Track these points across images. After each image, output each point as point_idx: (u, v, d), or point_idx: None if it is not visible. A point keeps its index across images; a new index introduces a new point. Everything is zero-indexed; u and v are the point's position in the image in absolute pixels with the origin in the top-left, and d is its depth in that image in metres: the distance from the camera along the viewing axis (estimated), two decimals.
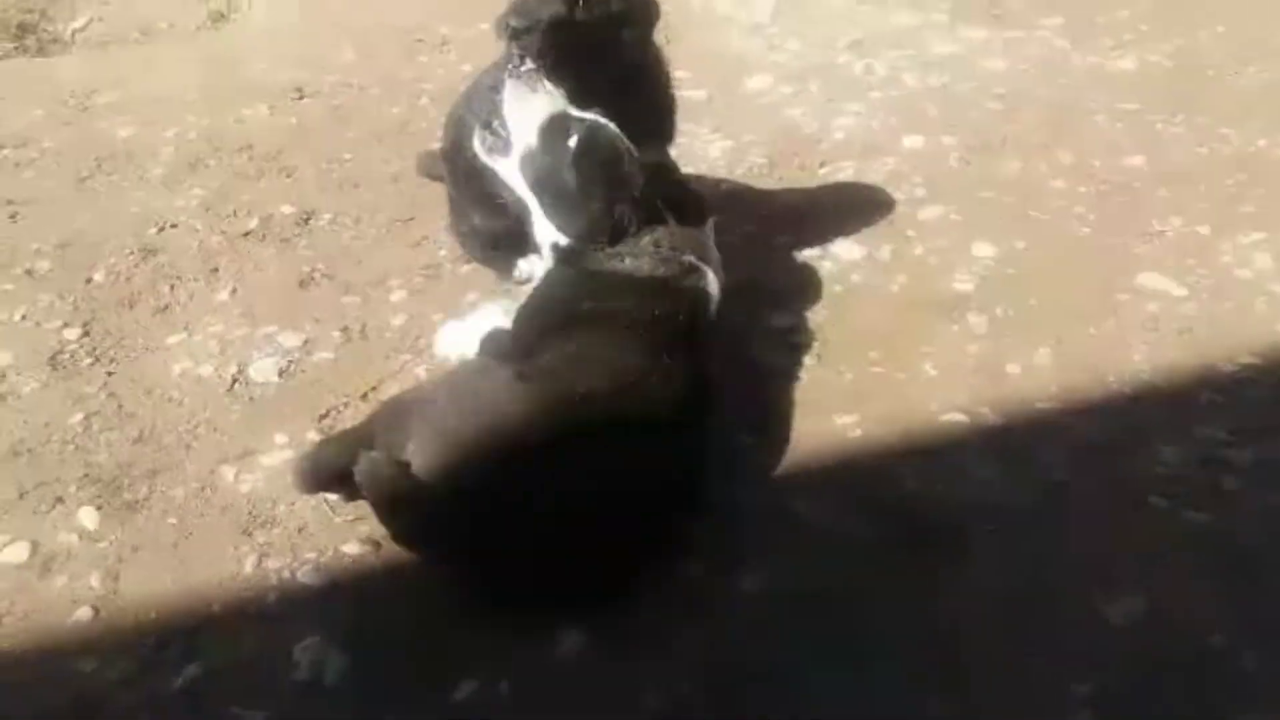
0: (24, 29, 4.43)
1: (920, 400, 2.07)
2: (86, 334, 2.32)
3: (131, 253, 2.57)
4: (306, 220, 2.68)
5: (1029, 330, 2.27)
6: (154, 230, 2.66)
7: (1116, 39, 3.50)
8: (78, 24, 4.52)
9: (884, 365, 2.17)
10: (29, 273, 2.51)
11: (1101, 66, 3.36)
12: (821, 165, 2.89)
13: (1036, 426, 2.01)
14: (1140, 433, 1.98)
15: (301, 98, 3.26)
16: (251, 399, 2.13)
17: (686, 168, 2.85)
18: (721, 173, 2.87)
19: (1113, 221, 2.62)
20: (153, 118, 3.17)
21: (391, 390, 2.12)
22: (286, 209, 2.72)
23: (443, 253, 2.56)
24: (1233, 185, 2.74)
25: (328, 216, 2.70)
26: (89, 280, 2.49)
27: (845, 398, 2.08)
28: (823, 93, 3.25)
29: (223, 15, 4.13)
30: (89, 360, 2.24)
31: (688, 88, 3.27)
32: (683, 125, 3.01)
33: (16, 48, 4.30)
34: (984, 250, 2.52)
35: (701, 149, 2.97)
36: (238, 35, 3.91)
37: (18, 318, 2.37)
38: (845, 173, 2.85)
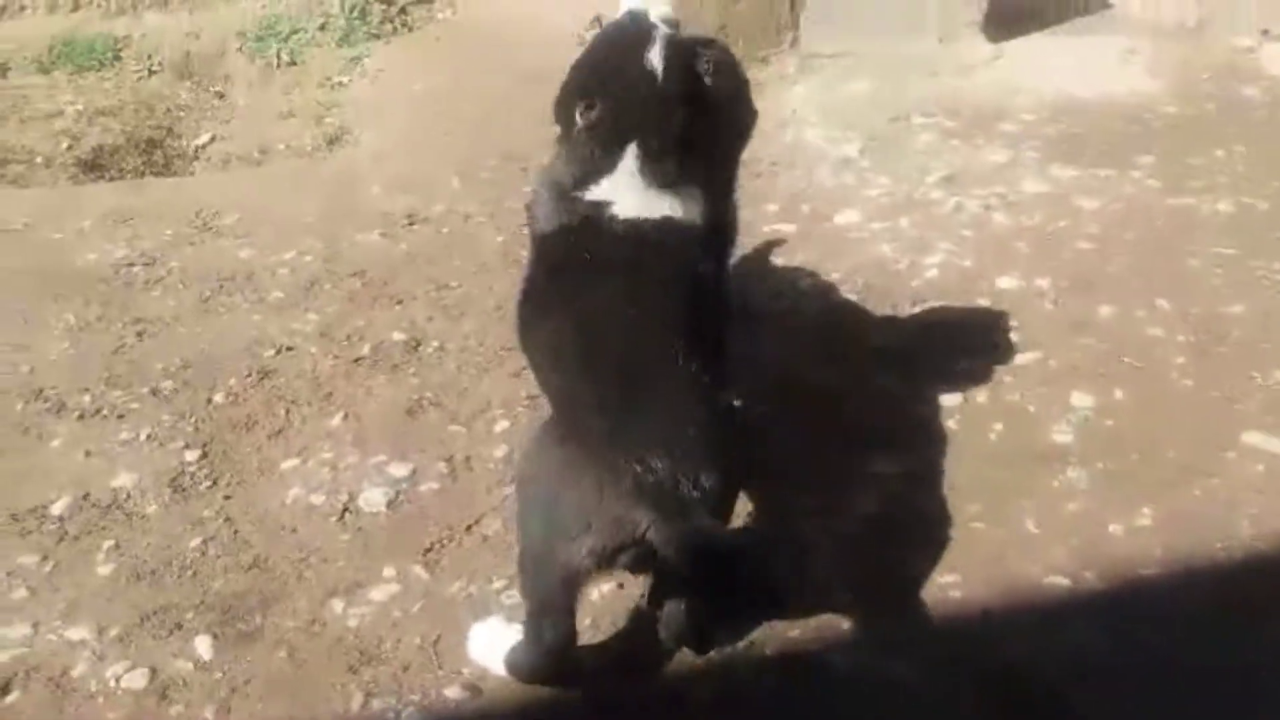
0: (152, 144, 4.77)
1: (1021, 561, 2.06)
2: (205, 456, 2.44)
3: (249, 375, 2.71)
4: (416, 348, 2.79)
5: (1131, 488, 2.24)
6: (271, 353, 2.79)
7: (1211, 180, 3.50)
8: (201, 141, 4.85)
9: (984, 520, 2.17)
10: (154, 392, 2.66)
11: (1196, 208, 3.35)
12: (913, 304, 2.92)
13: (1141, 595, 1.98)
14: (1251, 607, 1.93)
15: (412, 224, 3.43)
16: (360, 529, 2.21)
17: (776, 301, 2.95)
18: (812, 309, 2.92)
19: (1213, 373, 2.59)
20: (271, 240, 3.35)
21: (493, 525, 2.19)
22: (397, 335, 2.84)
23: None
24: None
25: (435, 344, 2.81)
26: (209, 401, 2.62)
27: (946, 555, 2.07)
28: (913, 229, 3.29)
29: (336, 138, 4.39)
30: (207, 483, 2.35)
31: (777, 221, 3.38)
32: (773, 260, 3.16)
33: (145, 163, 4.62)
34: (1082, 399, 2.51)
35: (790, 285, 3.02)
36: (350, 159, 4.13)
37: (143, 437, 2.50)
38: (938, 312, 2.88)
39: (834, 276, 3.05)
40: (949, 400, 2.53)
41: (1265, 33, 4.53)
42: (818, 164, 3.72)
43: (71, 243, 3.39)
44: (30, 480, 2.37)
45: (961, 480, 2.27)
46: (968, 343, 2.75)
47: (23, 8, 5.43)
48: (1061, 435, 2.41)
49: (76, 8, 5.47)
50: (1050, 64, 4.40)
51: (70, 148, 4.54)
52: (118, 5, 5.46)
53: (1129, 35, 4.67)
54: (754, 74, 4.34)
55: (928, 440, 2.40)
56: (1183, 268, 3.05)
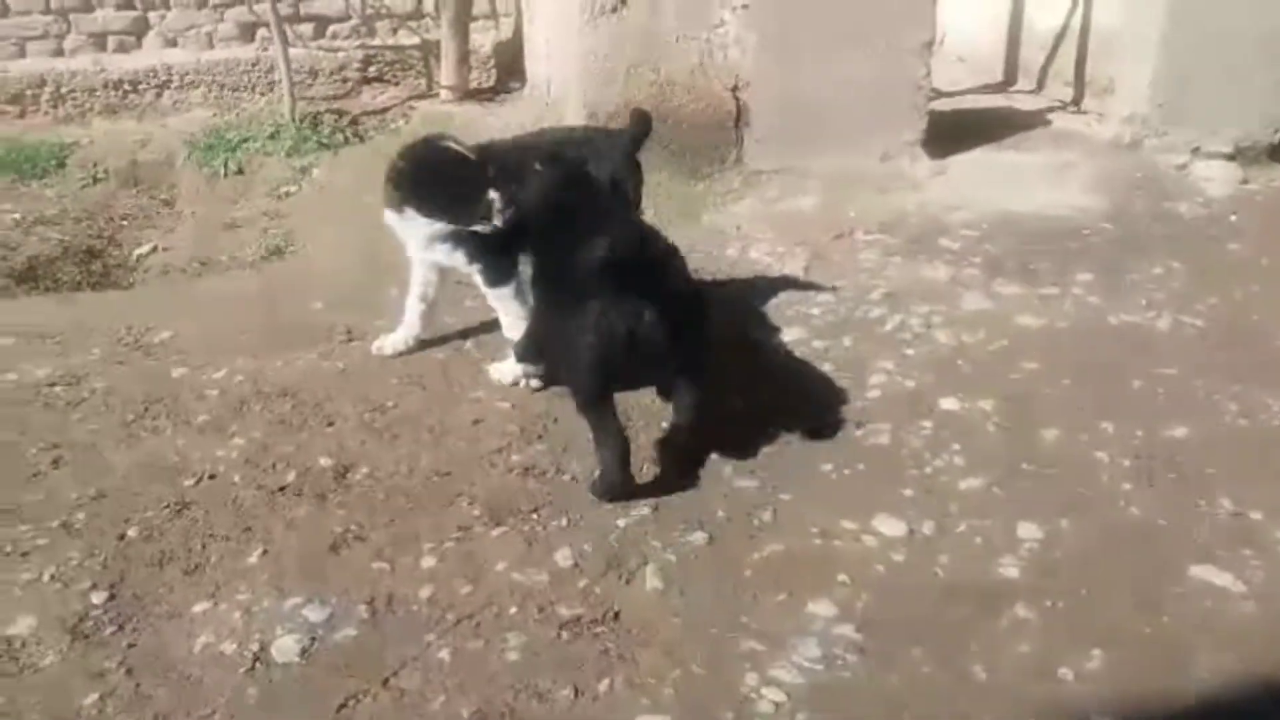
0: (91, 254, 4.68)
1: (971, 712, 1.96)
2: (113, 597, 2.29)
3: (167, 506, 2.58)
4: (344, 474, 2.68)
5: (1080, 627, 2.17)
6: (191, 482, 2.67)
7: (1150, 297, 3.55)
8: (142, 250, 4.77)
9: (930, 665, 2.08)
10: (65, 526, 2.51)
11: (1137, 327, 3.38)
12: (858, 426, 2.87)
13: None
14: None
15: (350, 340, 3.35)
16: (271, 681, 2.06)
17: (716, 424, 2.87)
18: (752, 430, 2.85)
19: (1160, 501, 2.56)
20: (203, 358, 3.25)
21: (412, 680, 2.06)
22: (325, 461, 2.73)
23: (476, 512, 2.54)
24: None
25: (364, 470, 2.70)
26: (122, 536, 2.48)
27: (892, 707, 1.97)
28: (855, 348, 3.27)
29: (279, 249, 4.34)
30: (112, 629, 2.20)
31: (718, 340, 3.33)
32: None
33: (82, 274, 4.52)
34: (1028, 530, 2.46)
35: (729, 405, 2.95)
36: (293, 271, 4.07)
37: (46, 577, 2.34)
38: (882, 435, 2.83)
39: (775, 397, 2.99)
40: (895, 531, 2.46)
41: (1196, 150, 4.67)
42: (761, 281, 3.71)
43: None
44: None
45: (907, 620, 2.19)
46: (914, 470, 2.69)
47: None
48: (1008, 569, 2.34)
49: (23, 114, 5.43)
50: (991, 180, 4.50)
51: (4, 259, 4.43)
52: (65, 112, 5.43)
53: (1067, 151, 4.80)
54: (698, 189, 4.41)
55: (871, 576, 2.32)
56: (1126, 389, 3.05)
